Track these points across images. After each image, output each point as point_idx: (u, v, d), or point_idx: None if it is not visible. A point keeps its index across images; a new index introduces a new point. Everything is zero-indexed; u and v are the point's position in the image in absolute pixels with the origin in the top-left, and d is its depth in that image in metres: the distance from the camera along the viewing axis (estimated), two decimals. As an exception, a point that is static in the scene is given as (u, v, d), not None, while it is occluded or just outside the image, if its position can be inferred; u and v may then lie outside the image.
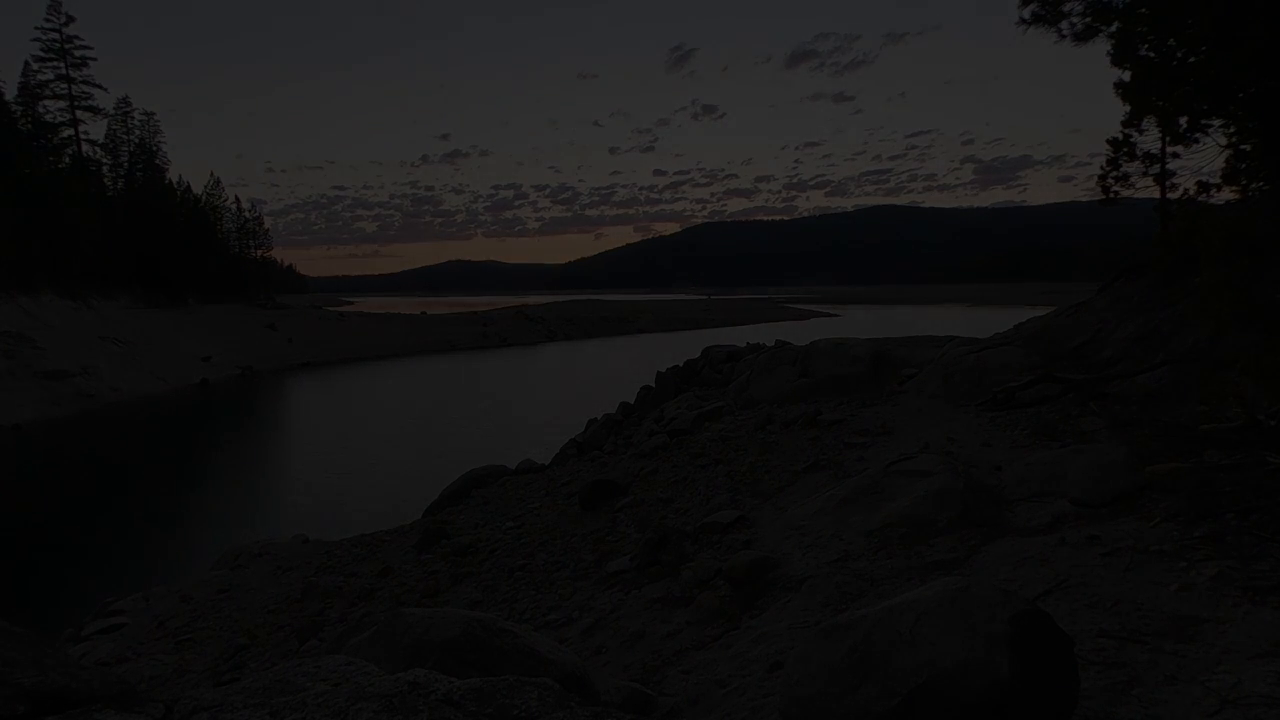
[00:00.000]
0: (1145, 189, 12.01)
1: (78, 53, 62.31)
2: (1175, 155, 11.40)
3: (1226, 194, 9.92)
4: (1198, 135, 10.21)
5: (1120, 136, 11.58)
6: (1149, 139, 11.57)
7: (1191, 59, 8.94)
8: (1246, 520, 4.48)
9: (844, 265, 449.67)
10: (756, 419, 12.27)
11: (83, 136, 64.15)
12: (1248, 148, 8.81)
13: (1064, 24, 11.12)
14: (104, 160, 67.86)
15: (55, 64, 61.30)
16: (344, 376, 53.98)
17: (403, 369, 57.58)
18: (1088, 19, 10.92)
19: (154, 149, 70.83)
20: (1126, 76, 10.66)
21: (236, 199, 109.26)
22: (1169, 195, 11.70)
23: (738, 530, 7.52)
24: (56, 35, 60.93)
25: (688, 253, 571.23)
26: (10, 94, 57.91)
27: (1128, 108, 11.09)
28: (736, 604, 5.86)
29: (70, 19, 61.01)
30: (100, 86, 64.60)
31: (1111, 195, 11.95)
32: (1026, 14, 11.28)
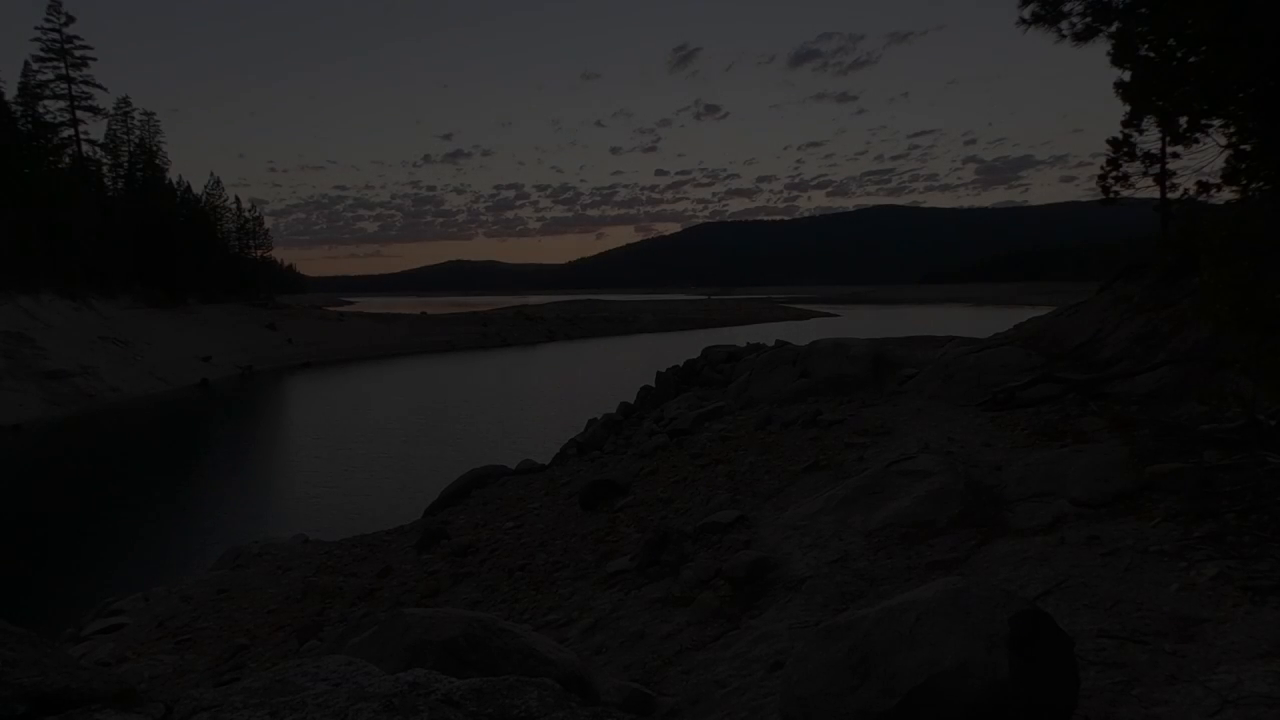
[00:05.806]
0: (1145, 189, 12.01)
1: (78, 53, 62.35)
2: (1175, 155, 11.40)
3: (1226, 194, 9.92)
4: (1198, 135, 10.20)
5: (1120, 136, 11.58)
6: (1149, 139, 11.57)
7: (1191, 59, 8.94)
8: (1246, 520, 4.48)
9: (845, 265, 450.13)
10: (756, 419, 12.26)
11: (83, 136, 64.20)
12: (1248, 148, 8.82)
13: (1064, 24, 11.14)
14: (104, 160, 67.84)
15: (55, 64, 61.32)
16: (344, 376, 53.96)
17: (403, 369, 57.57)
18: (1088, 19, 10.95)
19: (154, 149, 70.74)
20: (1126, 76, 10.66)
21: (237, 199, 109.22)
22: (1169, 195, 11.71)
23: (738, 530, 7.51)
24: (56, 35, 60.98)
25: (688, 253, 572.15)
26: (10, 94, 58.01)
27: (1128, 108, 11.10)
28: (736, 604, 5.86)
29: (70, 19, 61.06)
30: (100, 86, 64.67)
31: (1112, 195, 11.95)
32: (1027, 14, 11.30)
